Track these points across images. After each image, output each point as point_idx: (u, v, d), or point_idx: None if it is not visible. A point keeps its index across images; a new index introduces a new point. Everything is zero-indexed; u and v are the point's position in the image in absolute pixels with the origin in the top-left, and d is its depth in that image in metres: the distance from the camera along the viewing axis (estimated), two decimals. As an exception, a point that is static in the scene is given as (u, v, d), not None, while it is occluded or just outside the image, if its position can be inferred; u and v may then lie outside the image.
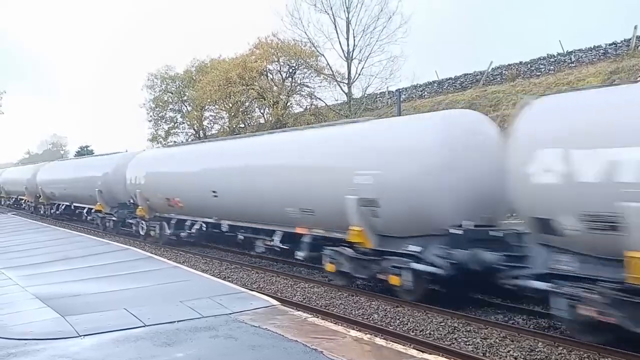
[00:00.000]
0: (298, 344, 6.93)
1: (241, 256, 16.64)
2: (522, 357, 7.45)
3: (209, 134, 43.18)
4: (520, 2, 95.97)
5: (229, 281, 12.36)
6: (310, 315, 8.90)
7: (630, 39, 25.18)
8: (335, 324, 8.62)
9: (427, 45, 77.54)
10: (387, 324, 9.24)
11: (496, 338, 8.20)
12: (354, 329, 8.19)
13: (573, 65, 26.77)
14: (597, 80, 22.35)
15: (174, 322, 8.12)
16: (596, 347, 7.52)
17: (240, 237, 15.51)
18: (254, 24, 62.25)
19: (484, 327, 8.77)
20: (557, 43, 29.48)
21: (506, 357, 7.50)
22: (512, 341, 8.04)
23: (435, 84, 33.34)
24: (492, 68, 30.73)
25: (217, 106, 40.63)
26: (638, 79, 11.74)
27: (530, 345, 7.79)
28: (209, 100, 38.51)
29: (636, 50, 24.54)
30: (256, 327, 7.77)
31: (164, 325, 7.96)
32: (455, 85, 32.09)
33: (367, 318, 9.64)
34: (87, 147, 61.38)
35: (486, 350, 7.75)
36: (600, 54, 26.17)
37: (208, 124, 44.57)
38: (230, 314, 8.55)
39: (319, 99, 36.03)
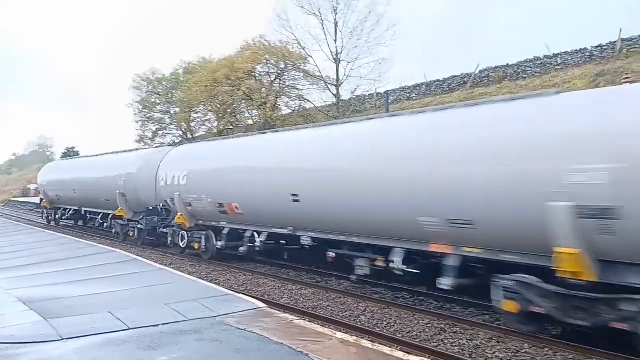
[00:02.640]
0: (283, 347, 6.89)
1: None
2: (508, 358, 7.47)
3: (197, 135, 42.92)
4: (503, 3, 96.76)
5: (216, 284, 12.29)
6: (296, 318, 8.86)
7: (616, 42, 25.41)
8: (321, 326, 8.59)
9: (414, 48, 77.83)
10: (374, 325, 9.22)
11: (482, 339, 8.22)
12: (340, 331, 8.15)
13: (559, 67, 26.91)
14: (583, 82, 22.53)
15: (159, 325, 8.04)
16: (582, 348, 7.57)
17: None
18: (255, 25, 61.99)
19: (471, 328, 8.80)
20: (543, 45, 29.69)
21: (492, 358, 7.52)
22: (499, 342, 8.06)
23: (424, 86, 33.41)
24: (480, 70, 30.84)
25: (204, 107, 40.36)
26: (622, 82, 11.86)
27: (517, 347, 7.82)
28: (196, 101, 38.28)
29: (621, 53, 24.76)
30: (242, 330, 7.71)
31: (149, 329, 7.88)
32: (443, 87, 32.17)
33: (354, 320, 9.62)
34: (72, 148, 60.73)
35: (472, 352, 7.76)
36: (586, 56, 26.33)
37: (195, 125, 44.34)
38: (216, 316, 8.48)
39: (308, 100, 36.02)
